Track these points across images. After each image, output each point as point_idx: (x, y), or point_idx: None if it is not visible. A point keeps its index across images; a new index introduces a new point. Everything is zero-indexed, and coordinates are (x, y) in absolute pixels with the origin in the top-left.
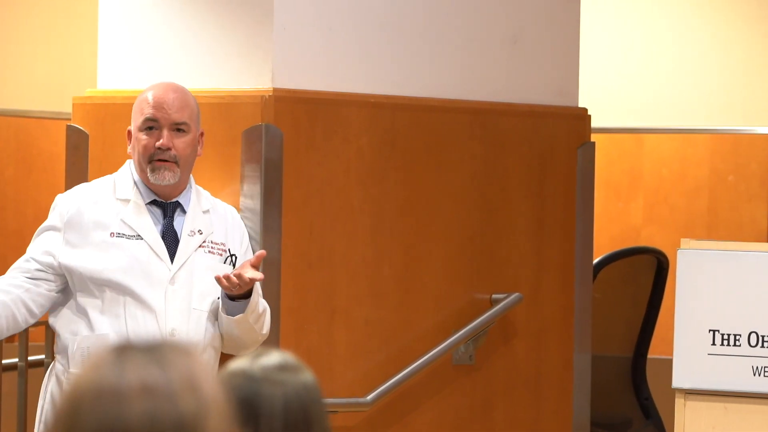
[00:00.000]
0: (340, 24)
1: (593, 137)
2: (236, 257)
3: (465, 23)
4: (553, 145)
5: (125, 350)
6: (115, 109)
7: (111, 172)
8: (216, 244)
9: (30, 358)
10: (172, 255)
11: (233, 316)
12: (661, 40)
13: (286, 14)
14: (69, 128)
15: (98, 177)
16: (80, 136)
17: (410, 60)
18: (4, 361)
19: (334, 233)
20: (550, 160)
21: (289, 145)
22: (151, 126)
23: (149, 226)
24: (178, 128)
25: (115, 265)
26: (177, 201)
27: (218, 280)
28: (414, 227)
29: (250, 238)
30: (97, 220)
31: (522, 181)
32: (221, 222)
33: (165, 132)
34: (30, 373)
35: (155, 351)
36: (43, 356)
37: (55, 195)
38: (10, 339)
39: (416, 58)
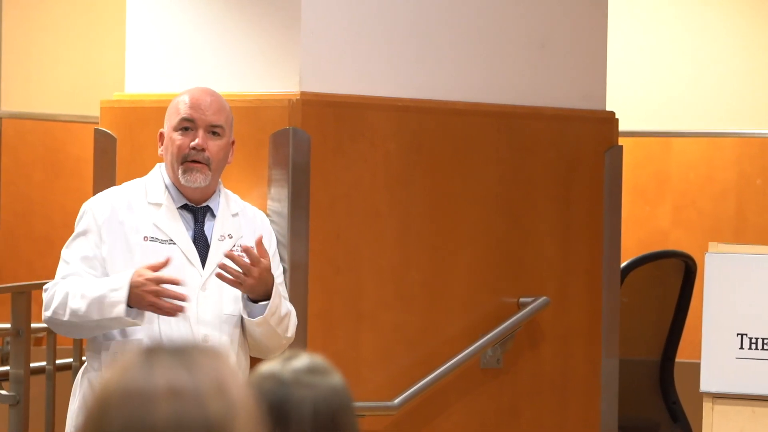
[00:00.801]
0: (368, 28)
1: (620, 141)
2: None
3: (492, 27)
4: (580, 148)
5: (154, 353)
6: (143, 112)
7: (139, 176)
8: None
9: (58, 361)
10: (203, 260)
11: (254, 318)
12: (688, 43)
13: (314, 18)
14: (97, 132)
15: (126, 181)
16: (108, 140)
17: (437, 64)
18: (32, 365)
19: (361, 237)
20: (577, 164)
21: (317, 149)
22: (187, 126)
23: (181, 231)
24: (213, 131)
25: None
26: (207, 205)
27: (220, 276)
28: (441, 231)
29: (278, 242)
30: (130, 223)
31: (549, 184)
32: (250, 225)
33: (201, 132)
34: (58, 377)
35: (183, 354)
36: (71, 360)
37: (83, 199)
38: (38, 342)
39: (443, 62)
